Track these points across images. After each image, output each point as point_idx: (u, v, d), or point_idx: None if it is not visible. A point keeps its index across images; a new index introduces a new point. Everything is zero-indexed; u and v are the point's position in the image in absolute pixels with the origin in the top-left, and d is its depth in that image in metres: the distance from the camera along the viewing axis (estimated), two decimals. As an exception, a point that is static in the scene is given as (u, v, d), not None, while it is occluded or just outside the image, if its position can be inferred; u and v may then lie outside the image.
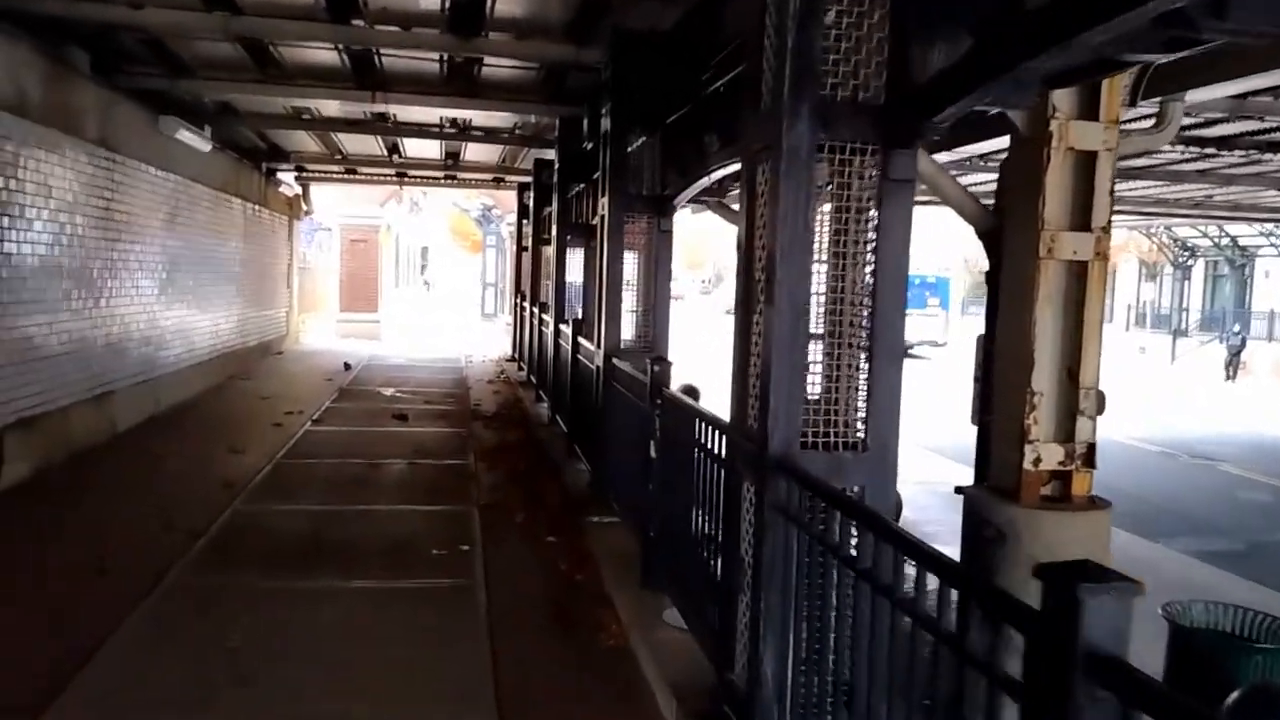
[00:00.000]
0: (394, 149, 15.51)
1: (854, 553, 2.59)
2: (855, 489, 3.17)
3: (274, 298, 17.15)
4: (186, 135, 10.40)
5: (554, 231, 11.29)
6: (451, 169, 16.87)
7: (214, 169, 12.54)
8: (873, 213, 3.12)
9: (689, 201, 6.83)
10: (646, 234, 6.72)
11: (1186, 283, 34.45)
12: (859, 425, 3.21)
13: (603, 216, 6.79)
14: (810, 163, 3.05)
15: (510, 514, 6.77)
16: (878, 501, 3.16)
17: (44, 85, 7.33)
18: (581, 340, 8.33)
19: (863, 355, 3.20)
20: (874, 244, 3.12)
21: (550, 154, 13.56)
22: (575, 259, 11.48)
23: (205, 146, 11.34)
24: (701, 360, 11.39)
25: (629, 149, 6.73)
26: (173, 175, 10.68)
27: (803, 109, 3.01)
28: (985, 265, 4.04)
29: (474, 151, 15.56)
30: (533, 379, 13.41)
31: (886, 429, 3.19)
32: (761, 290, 3.23)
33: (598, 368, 6.92)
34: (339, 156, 16.21)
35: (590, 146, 9.44)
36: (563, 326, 9.89)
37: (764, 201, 3.25)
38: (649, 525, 5.09)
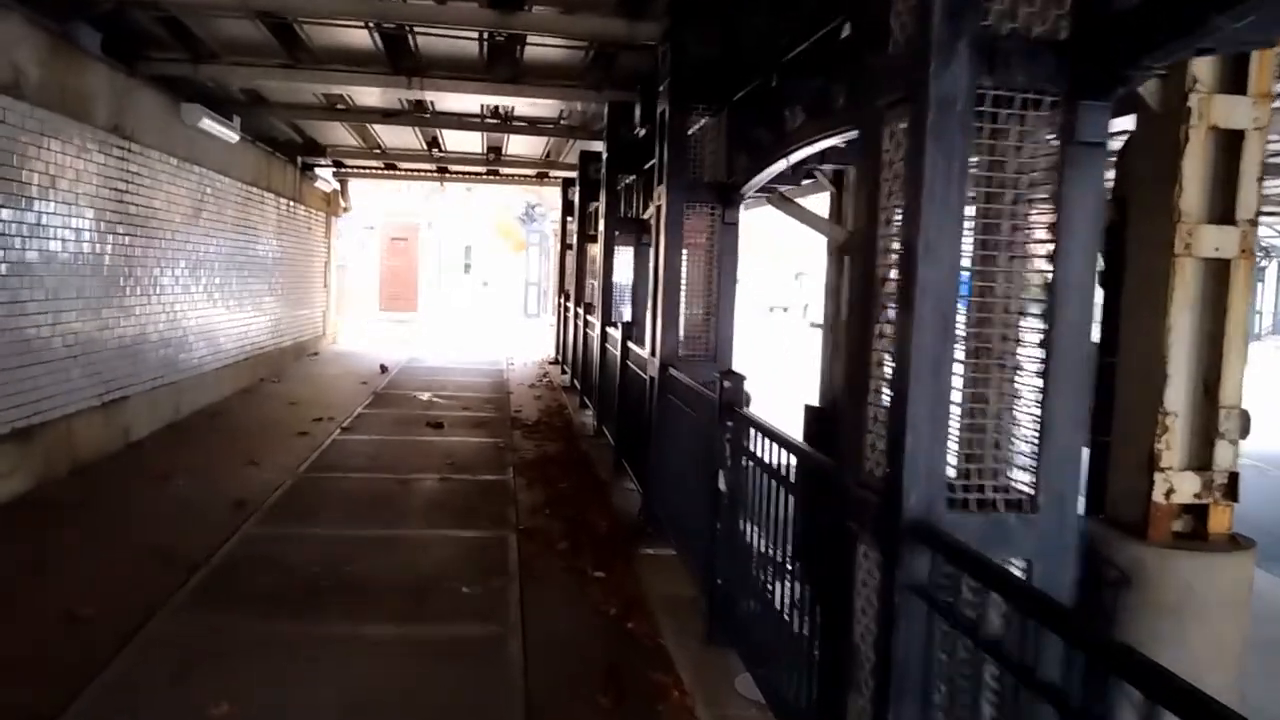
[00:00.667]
0: (433, 143, 14.85)
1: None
2: (1020, 563, 2.34)
3: (310, 297, 16.59)
4: (211, 125, 9.78)
5: (601, 227, 10.49)
6: (494, 163, 16.18)
7: (243, 162, 11.95)
8: (1051, 186, 2.28)
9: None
10: (709, 228, 5.89)
11: (1261, 284, 32.81)
12: (1026, 475, 2.37)
13: (659, 207, 5.97)
14: (968, 119, 2.22)
15: (552, 542, 6.00)
16: (1053, 579, 2.32)
17: (43, 64, 6.69)
18: (632, 346, 7.54)
19: (1031, 378, 2.36)
20: (1052, 229, 2.28)
21: (597, 146, 12.80)
22: (624, 257, 10.70)
23: (233, 137, 10.73)
24: (771, 379, 10.56)
25: (689, 132, 5.90)
26: (197, 167, 10.07)
27: (959, 44, 2.18)
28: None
29: (517, 145, 14.85)
30: (577, 384, 12.66)
31: (1064, 479, 2.35)
32: (891, 294, 2.40)
33: (651, 378, 6.11)
34: (377, 151, 15.60)
35: (644, 133, 8.65)
36: (610, 330, 9.11)
37: (894, 176, 2.42)
38: (714, 569, 4.28)
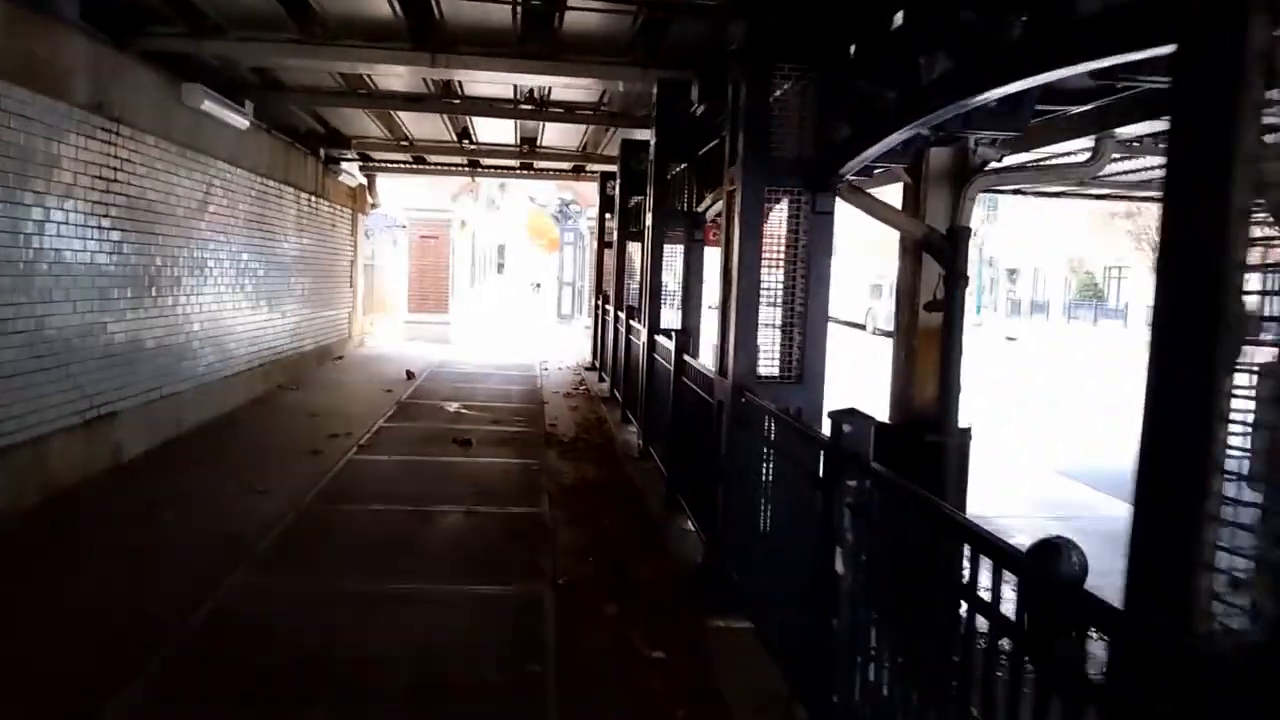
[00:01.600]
0: (464, 134, 13.84)
1: None
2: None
3: (334, 298, 15.66)
4: (216, 108, 8.82)
5: (648, 222, 9.37)
6: (528, 155, 15.14)
7: (257, 152, 11.00)
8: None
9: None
10: (792, 220, 4.74)
11: None
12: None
13: (731, 192, 4.83)
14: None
15: (597, 604, 4.91)
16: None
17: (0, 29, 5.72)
18: (689, 361, 6.44)
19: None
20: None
21: (641, 134, 11.73)
22: (673, 256, 9.58)
23: (242, 123, 9.77)
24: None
25: (771, 98, 4.75)
26: (201, 156, 9.12)
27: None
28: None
29: (552, 135, 13.80)
30: (617, 394, 11.59)
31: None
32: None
33: (720, 403, 4.99)
34: (405, 143, 14.61)
35: (702, 110, 7.54)
36: (660, 339, 8.01)
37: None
38: (832, 677, 3.16)
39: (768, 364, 4.78)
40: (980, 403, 19.85)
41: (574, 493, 7.32)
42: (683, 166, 9.58)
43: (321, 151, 14.32)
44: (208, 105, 8.58)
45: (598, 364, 14.77)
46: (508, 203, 50.02)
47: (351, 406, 11.05)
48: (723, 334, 4.89)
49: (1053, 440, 12.45)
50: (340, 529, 6.23)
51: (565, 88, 10.14)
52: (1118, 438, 10.76)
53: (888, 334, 25.18)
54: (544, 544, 5.99)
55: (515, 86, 10.05)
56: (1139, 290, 44.31)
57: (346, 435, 9.23)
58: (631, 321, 10.04)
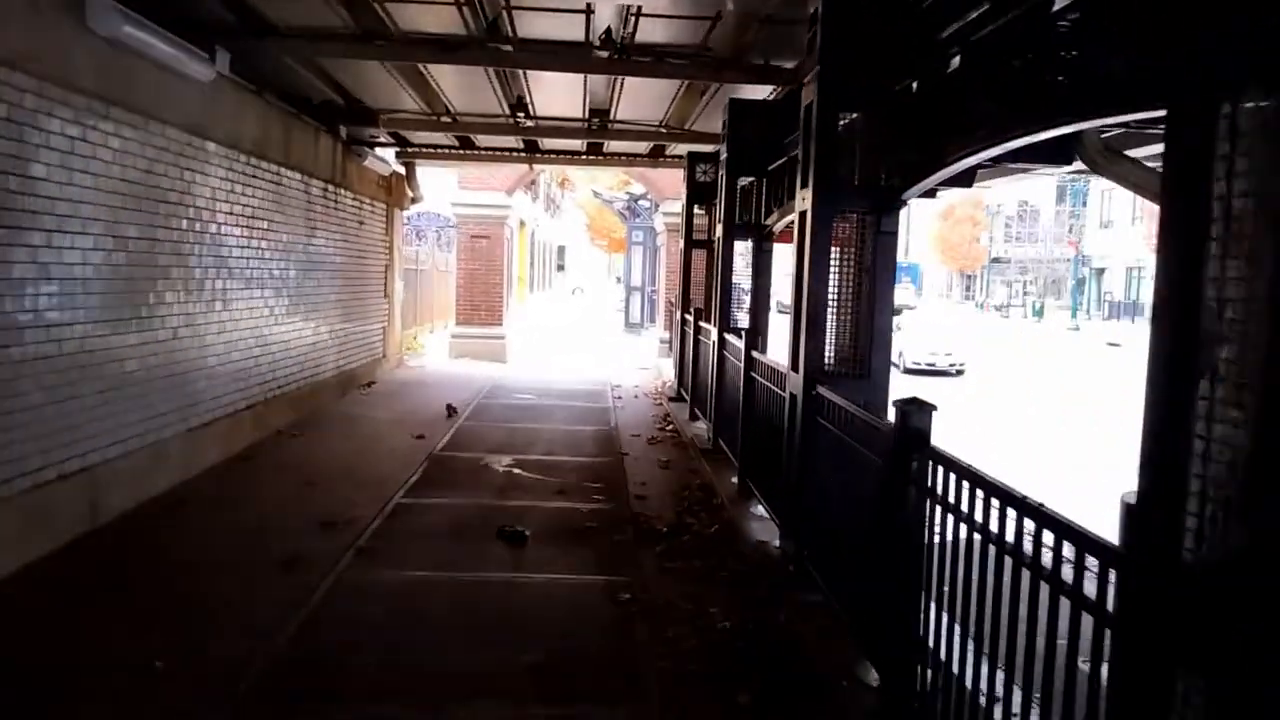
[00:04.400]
0: (519, 105, 10.89)
1: None
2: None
3: (362, 310, 12.84)
4: (149, 41, 5.95)
5: (795, 207, 6.25)
6: (597, 134, 12.12)
7: (238, 122, 8.15)
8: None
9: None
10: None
11: None
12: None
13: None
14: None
15: None
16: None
17: None
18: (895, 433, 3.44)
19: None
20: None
21: (756, 91, 8.74)
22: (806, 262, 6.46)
23: (204, 73, 6.91)
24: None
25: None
26: (135, 116, 6.26)
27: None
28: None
29: (630, 105, 10.78)
30: (723, 446, 8.50)
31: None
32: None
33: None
34: (447, 119, 11.70)
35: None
36: (821, 392, 4.90)
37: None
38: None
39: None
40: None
41: (697, 658, 4.27)
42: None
43: (342, 130, 11.49)
44: (131, 34, 5.69)
45: (685, 393, 11.70)
46: (567, 201, 47.28)
47: (366, 465, 8.14)
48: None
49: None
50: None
51: (656, 16, 7.12)
52: None
53: (922, 371, 23.70)
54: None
55: (588, 9, 7.01)
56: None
57: (346, 524, 6.30)
58: (756, 357, 6.90)
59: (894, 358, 22.34)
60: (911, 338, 24.57)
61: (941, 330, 28.16)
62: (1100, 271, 54.46)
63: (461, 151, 14.36)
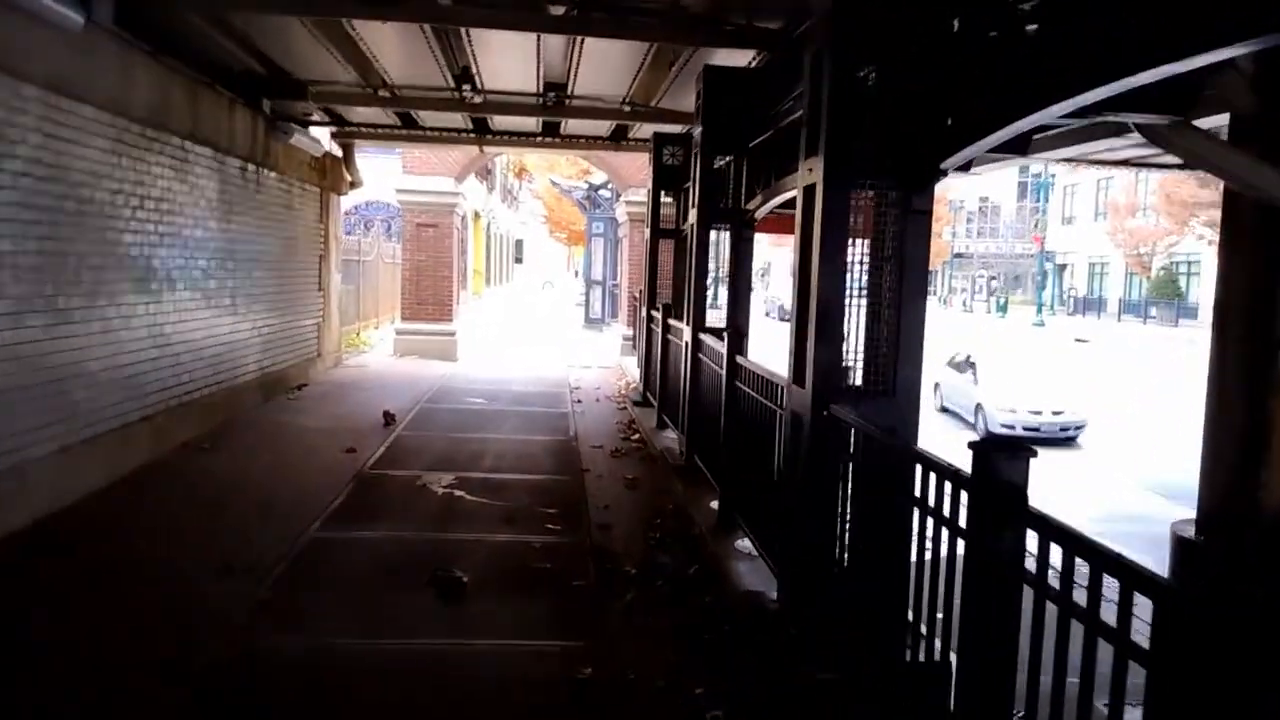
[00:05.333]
0: (465, 76, 9.72)
1: None
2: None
3: (293, 305, 11.59)
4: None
5: (795, 183, 5.15)
6: (554, 111, 10.95)
7: (122, 82, 6.87)
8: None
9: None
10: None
11: None
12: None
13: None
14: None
15: None
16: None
17: None
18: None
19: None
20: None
21: (737, 56, 7.71)
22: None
23: (69, 20, 5.66)
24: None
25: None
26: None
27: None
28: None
29: (591, 76, 9.65)
30: (698, 460, 7.39)
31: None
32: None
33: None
34: (384, 91, 10.48)
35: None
36: (837, 413, 3.83)
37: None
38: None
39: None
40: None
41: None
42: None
43: (266, 104, 10.22)
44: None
45: (651, 397, 10.62)
46: (525, 193, 45.97)
47: (282, 487, 6.95)
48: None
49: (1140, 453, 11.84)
50: None
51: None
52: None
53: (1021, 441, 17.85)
54: None
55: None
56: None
57: (246, 571, 5.12)
58: (741, 363, 5.81)
59: (971, 415, 15.84)
60: (991, 380, 16.69)
61: (1031, 364, 19.06)
62: (1062, 268, 54.28)
63: (405, 132, 13.14)
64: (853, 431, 3.77)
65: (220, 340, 8.97)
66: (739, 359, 5.79)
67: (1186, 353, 24.69)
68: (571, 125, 12.52)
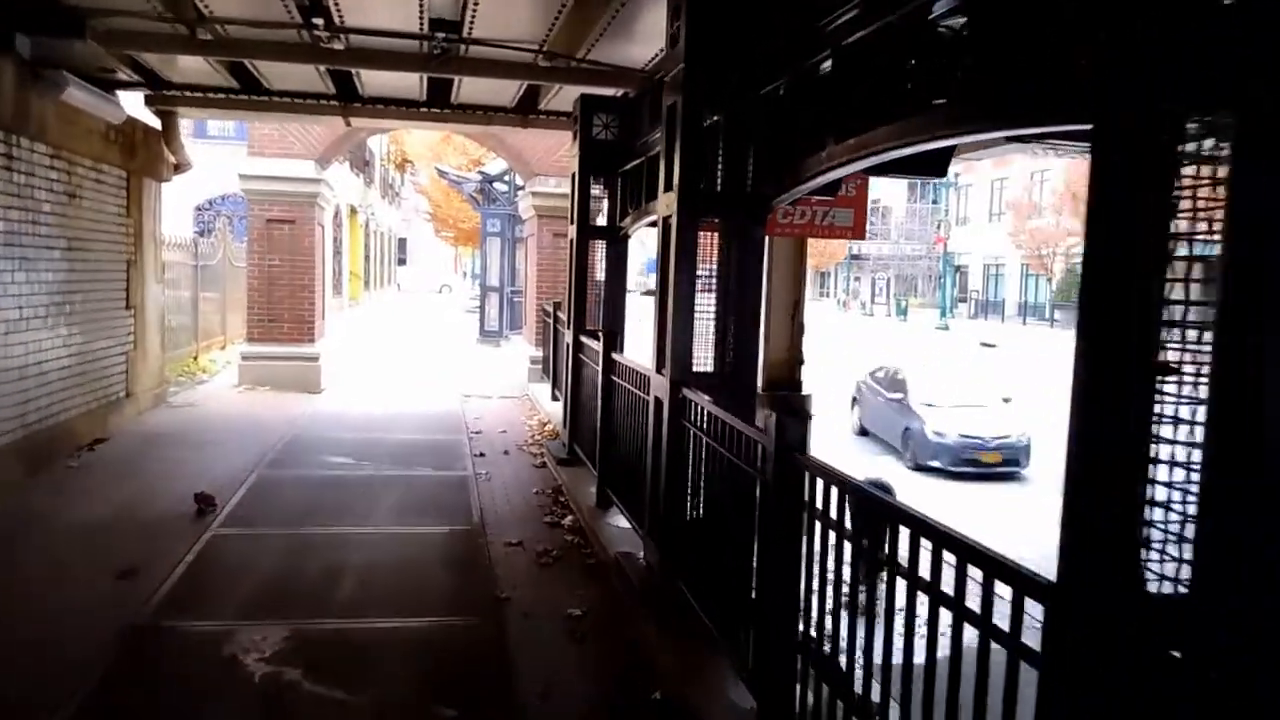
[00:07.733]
0: (316, 7, 6.78)
1: None
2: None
3: (83, 331, 8.35)
4: None
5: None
6: (443, 63, 8.00)
7: None
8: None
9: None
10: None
11: None
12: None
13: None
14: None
15: None
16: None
17: None
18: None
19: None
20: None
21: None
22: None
23: None
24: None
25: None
26: None
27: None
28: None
29: (497, 10, 6.82)
30: (683, 588, 4.62)
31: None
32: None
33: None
34: (201, 28, 7.34)
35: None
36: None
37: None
38: None
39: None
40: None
41: None
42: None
43: (23, 43, 7.01)
44: None
45: (580, 453, 7.82)
46: (408, 188, 42.27)
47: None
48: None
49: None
50: None
51: None
52: None
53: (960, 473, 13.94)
54: None
55: None
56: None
57: None
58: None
59: (899, 441, 13.74)
60: (927, 394, 14.70)
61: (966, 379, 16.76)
62: (959, 269, 53.61)
63: (246, 98, 9.94)
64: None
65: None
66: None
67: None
68: (466, 90, 9.60)
